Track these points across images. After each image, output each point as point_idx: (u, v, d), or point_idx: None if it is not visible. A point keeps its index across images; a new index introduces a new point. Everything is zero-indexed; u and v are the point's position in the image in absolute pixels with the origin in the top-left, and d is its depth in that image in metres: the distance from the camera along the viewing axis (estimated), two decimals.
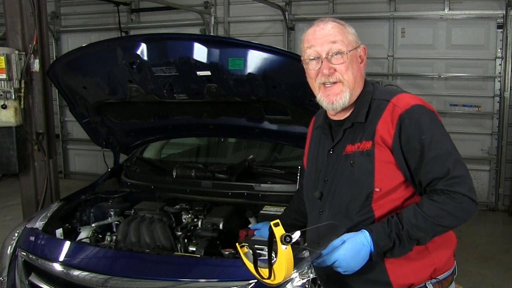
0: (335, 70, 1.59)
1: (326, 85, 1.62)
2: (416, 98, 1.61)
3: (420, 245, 1.54)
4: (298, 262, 1.56)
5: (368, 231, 1.51)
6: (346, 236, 1.53)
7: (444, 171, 1.48)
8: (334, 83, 1.61)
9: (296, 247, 1.56)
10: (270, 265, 1.49)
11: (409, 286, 1.61)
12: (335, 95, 1.61)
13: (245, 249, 1.64)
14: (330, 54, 1.59)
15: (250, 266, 1.60)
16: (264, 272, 1.53)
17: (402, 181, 1.57)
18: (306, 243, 2.15)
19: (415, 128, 1.52)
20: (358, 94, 1.66)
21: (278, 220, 1.50)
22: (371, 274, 1.61)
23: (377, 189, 1.56)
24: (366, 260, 1.51)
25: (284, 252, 1.45)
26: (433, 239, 1.58)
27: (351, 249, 1.49)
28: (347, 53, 1.59)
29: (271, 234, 1.48)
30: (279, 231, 1.46)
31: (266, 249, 2.28)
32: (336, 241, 1.52)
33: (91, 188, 3.26)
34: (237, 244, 1.67)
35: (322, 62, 1.60)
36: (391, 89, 1.76)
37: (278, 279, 1.49)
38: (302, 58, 1.68)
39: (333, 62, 1.59)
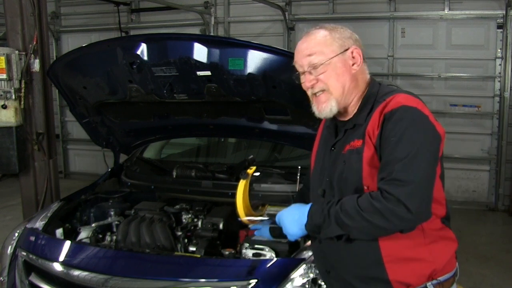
0: (317, 80, 1.64)
1: (315, 95, 1.67)
2: (410, 99, 1.57)
3: (352, 237, 1.57)
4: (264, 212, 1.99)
5: (311, 206, 1.64)
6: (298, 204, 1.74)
7: (389, 171, 1.46)
8: (321, 91, 1.65)
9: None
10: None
11: (407, 285, 1.61)
12: (322, 103, 1.66)
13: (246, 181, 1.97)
14: (308, 67, 1.64)
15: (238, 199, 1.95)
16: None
17: None
18: (307, 243, 2.16)
19: (391, 129, 1.51)
20: (359, 95, 1.67)
21: (255, 167, 1.93)
22: (371, 271, 1.62)
23: (365, 187, 1.57)
24: (302, 229, 1.64)
25: (240, 185, 1.87)
26: (432, 239, 1.59)
27: (290, 212, 1.70)
28: (326, 63, 1.62)
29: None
30: (249, 170, 1.86)
31: (267, 249, 2.31)
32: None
33: (91, 188, 3.26)
34: (240, 176, 2.00)
35: (305, 75, 1.66)
36: (393, 89, 1.76)
37: (239, 211, 1.91)
38: None
39: (314, 73, 1.64)
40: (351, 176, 1.59)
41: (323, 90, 1.65)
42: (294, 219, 1.66)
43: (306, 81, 1.66)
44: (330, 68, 1.62)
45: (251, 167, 1.98)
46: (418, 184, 1.45)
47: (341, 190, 1.63)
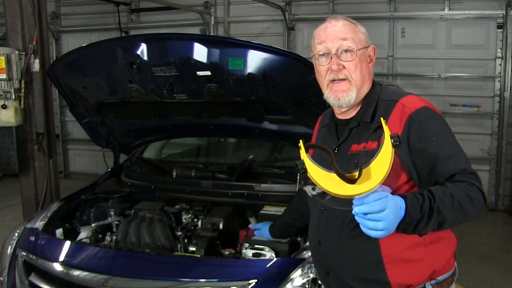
0: (343, 67, 1.60)
1: (334, 82, 1.62)
2: (424, 100, 1.62)
3: (436, 231, 1.47)
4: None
5: (401, 197, 1.38)
6: (384, 193, 1.33)
7: (461, 167, 1.49)
8: (342, 80, 1.61)
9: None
10: (365, 161, 1.27)
11: (407, 286, 1.61)
12: (342, 91, 1.61)
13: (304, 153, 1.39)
14: (340, 50, 1.60)
15: (316, 170, 1.35)
16: (352, 175, 1.26)
17: (405, 181, 1.57)
18: (307, 243, 2.16)
19: (425, 129, 1.52)
20: (366, 93, 1.67)
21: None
22: (370, 273, 1.61)
23: None
24: (396, 226, 1.34)
25: (392, 151, 1.23)
26: (433, 240, 1.59)
27: (394, 205, 1.32)
28: (356, 51, 1.60)
29: (378, 127, 1.32)
30: (389, 130, 1.29)
31: (267, 249, 2.31)
32: (383, 193, 1.31)
33: (91, 188, 3.26)
34: (300, 140, 1.43)
35: (331, 58, 1.60)
36: (398, 90, 1.76)
37: (373, 181, 1.23)
38: (311, 54, 1.69)
39: (342, 59, 1.60)
40: None
41: (345, 79, 1.61)
42: (397, 214, 1.33)
43: (333, 64, 1.60)
44: (357, 58, 1.61)
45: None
46: None
47: None
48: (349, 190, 1.26)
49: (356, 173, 1.26)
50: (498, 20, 6.04)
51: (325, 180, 1.32)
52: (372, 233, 1.32)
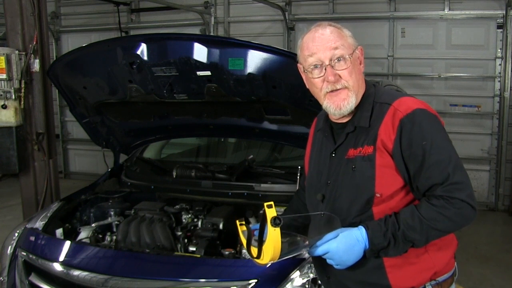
0: (340, 76, 1.58)
1: (333, 92, 1.60)
2: (418, 101, 1.59)
3: (415, 247, 1.53)
4: (290, 249, 1.58)
5: (364, 227, 1.50)
6: (342, 230, 1.52)
7: (444, 176, 1.47)
8: (340, 89, 1.59)
9: (287, 233, 1.60)
10: (260, 245, 1.53)
11: None
12: (342, 100, 1.59)
13: (244, 227, 1.69)
14: (333, 60, 1.57)
15: (244, 243, 1.66)
16: (254, 251, 1.57)
17: (402, 186, 1.56)
18: (307, 241, 2.15)
19: (416, 133, 1.51)
20: (361, 96, 1.65)
21: (272, 202, 1.49)
22: (371, 277, 1.60)
23: (378, 194, 1.55)
24: (359, 256, 1.50)
25: (273, 234, 1.48)
26: (433, 242, 1.57)
27: (344, 243, 1.48)
28: (349, 57, 1.58)
29: (264, 215, 1.49)
30: (271, 213, 1.47)
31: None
32: (331, 234, 1.51)
33: (91, 188, 3.26)
34: (237, 221, 1.70)
35: (325, 69, 1.57)
36: (393, 91, 1.73)
37: (265, 259, 1.53)
38: (301, 65, 1.66)
39: (336, 68, 1.57)
40: (363, 183, 1.57)
41: (342, 88, 1.58)
42: (350, 249, 1.49)
43: (329, 75, 1.56)
44: (351, 64, 1.58)
45: (269, 206, 1.48)
46: (469, 181, 1.51)
47: (348, 196, 1.61)
48: (259, 261, 1.57)
49: (256, 251, 1.55)
50: (498, 20, 6.04)
51: (246, 249, 1.66)
52: (336, 267, 1.53)
